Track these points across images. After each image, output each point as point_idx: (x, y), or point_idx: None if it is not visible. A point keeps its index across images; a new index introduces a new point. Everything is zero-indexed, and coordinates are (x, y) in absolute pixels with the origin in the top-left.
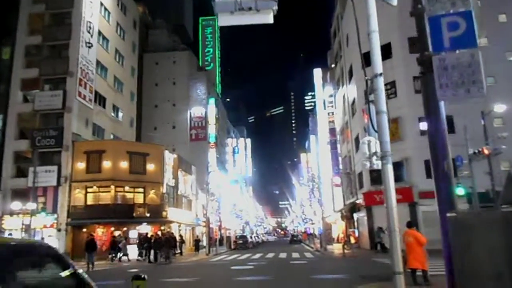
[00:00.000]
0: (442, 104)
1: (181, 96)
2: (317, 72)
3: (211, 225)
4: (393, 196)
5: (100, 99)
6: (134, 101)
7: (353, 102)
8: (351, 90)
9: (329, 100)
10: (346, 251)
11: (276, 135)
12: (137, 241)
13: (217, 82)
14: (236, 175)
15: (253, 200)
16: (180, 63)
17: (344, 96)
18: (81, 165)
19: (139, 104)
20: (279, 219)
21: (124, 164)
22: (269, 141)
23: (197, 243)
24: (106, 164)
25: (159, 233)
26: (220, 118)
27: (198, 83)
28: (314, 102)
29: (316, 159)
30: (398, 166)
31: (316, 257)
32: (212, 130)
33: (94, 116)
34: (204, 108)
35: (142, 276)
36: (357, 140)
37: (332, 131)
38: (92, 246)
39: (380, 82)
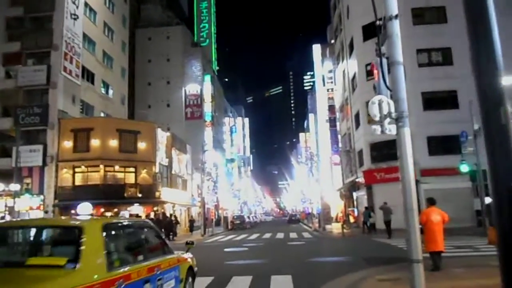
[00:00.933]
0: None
1: (176, 73)
2: (316, 48)
3: (207, 206)
4: (410, 166)
5: (88, 75)
6: (126, 77)
7: (354, 77)
8: (351, 65)
9: (329, 76)
10: (345, 230)
11: (275, 116)
12: None
13: (213, 59)
14: (233, 154)
15: (252, 180)
16: (174, 39)
17: (344, 72)
18: (68, 144)
19: (131, 82)
20: (277, 199)
21: (113, 143)
22: (268, 121)
23: (191, 224)
24: (95, 142)
25: (151, 213)
26: (216, 96)
27: (193, 60)
28: (313, 81)
29: (315, 138)
30: None
31: (315, 237)
32: (208, 108)
33: (82, 93)
34: (200, 85)
35: (191, 241)
36: (357, 116)
37: (332, 108)
38: None
39: (396, 26)
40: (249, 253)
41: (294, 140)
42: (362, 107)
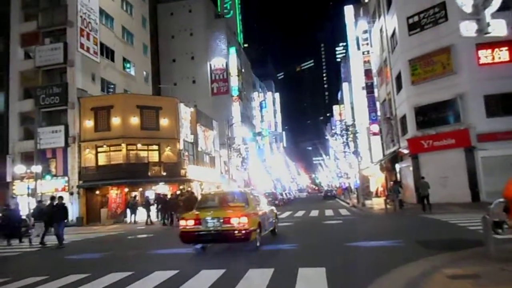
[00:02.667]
0: None
1: (200, 48)
2: (349, 10)
3: (238, 183)
4: None
5: (107, 52)
6: (148, 54)
7: (393, 34)
8: (390, 21)
9: (364, 37)
10: (388, 206)
11: (307, 91)
12: (145, 202)
13: (238, 31)
14: (264, 130)
15: (284, 156)
16: (197, 11)
17: (381, 30)
18: (89, 123)
19: (156, 60)
20: (312, 175)
21: (134, 120)
22: (300, 97)
23: None
24: (115, 120)
25: (178, 192)
26: (243, 70)
27: (217, 33)
28: (346, 49)
29: (350, 108)
30: (450, 105)
31: (354, 215)
32: (234, 82)
33: (102, 71)
34: (225, 59)
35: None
36: (398, 78)
37: (368, 72)
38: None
39: None
40: (276, 236)
41: (328, 114)
42: (405, 67)
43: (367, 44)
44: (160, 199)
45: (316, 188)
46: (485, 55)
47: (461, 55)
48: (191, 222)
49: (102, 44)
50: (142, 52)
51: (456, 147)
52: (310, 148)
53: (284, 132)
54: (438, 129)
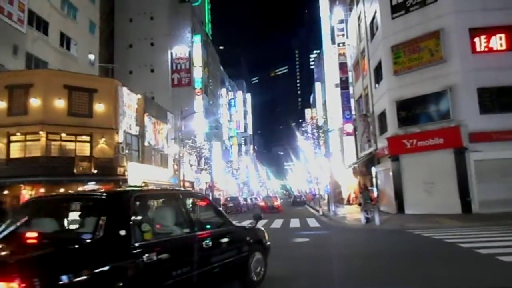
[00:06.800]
0: None
1: (161, 34)
2: (324, 2)
3: (199, 186)
4: None
5: (39, 23)
6: (96, 34)
7: (373, 19)
8: (369, 6)
9: (339, 27)
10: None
11: (281, 96)
12: None
13: (206, 20)
14: (232, 130)
15: (254, 160)
16: None
17: (359, 17)
18: (1, 105)
19: (110, 44)
20: (283, 180)
21: (60, 103)
22: (273, 102)
23: None
24: (35, 102)
25: None
26: (211, 63)
27: (181, 18)
28: (320, 51)
29: (323, 110)
30: (438, 98)
31: (325, 227)
32: (198, 74)
33: (30, 44)
34: (189, 48)
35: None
36: (378, 70)
37: (343, 66)
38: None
39: None
40: None
41: (300, 120)
42: (386, 55)
43: (343, 35)
44: None
45: (287, 193)
46: (479, 42)
47: (452, 41)
48: None
49: (32, 13)
50: (88, 30)
51: (445, 148)
52: (282, 153)
53: (256, 136)
54: (423, 126)
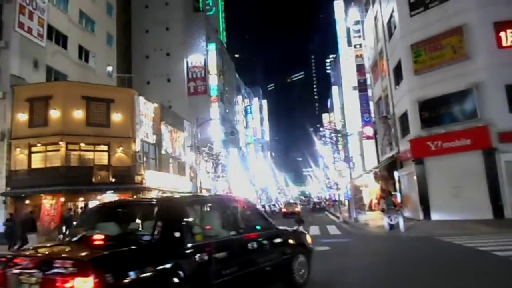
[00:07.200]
0: None
1: (176, 44)
2: (339, 5)
3: (216, 193)
4: None
5: (58, 37)
6: (114, 46)
7: (390, 18)
8: (386, 6)
9: (355, 28)
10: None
11: (298, 102)
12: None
13: (221, 29)
14: (248, 137)
15: (272, 166)
16: (174, 4)
17: (376, 18)
18: (22, 117)
19: (128, 56)
20: (302, 187)
21: (78, 114)
22: (290, 108)
23: None
24: (54, 114)
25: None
26: (226, 70)
27: (195, 28)
28: (336, 54)
29: (341, 113)
30: (463, 97)
31: (346, 235)
32: (213, 81)
33: (50, 58)
34: (204, 56)
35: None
36: (397, 70)
37: (361, 68)
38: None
39: None
40: None
41: (318, 125)
42: (406, 54)
43: (359, 36)
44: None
45: (306, 199)
46: (505, 36)
47: (476, 36)
48: None
49: (51, 28)
50: (106, 43)
51: (472, 149)
52: (300, 159)
53: (273, 143)
54: (448, 127)
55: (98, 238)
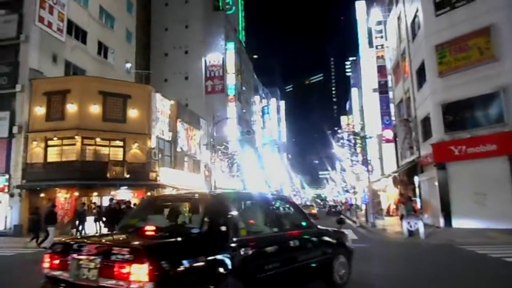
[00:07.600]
0: None
1: (195, 42)
2: (361, 5)
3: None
4: None
5: (77, 32)
6: (133, 42)
7: (414, 18)
8: (410, 5)
9: (377, 29)
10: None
11: (316, 104)
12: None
13: (240, 28)
14: (265, 138)
15: (288, 167)
16: (194, 2)
17: (399, 17)
18: (40, 111)
19: (146, 53)
20: (318, 190)
21: (95, 109)
22: (308, 110)
23: None
24: (71, 108)
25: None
26: (244, 70)
27: (214, 26)
28: (357, 57)
29: (360, 116)
30: (490, 100)
31: (363, 240)
32: (231, 80)
33: (68, 52)
34: (222, 55)
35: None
36: (420, 71)
37: (382, 69)
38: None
39: None
40: None
41: (336, 128)
42: (430, 54)
43: (381, 37)
44: (110, 209)
45: (322, 203)
46: None
47: (505, 38)
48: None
49: (71, 23)
50: (125, 39)
51: (499, 155)
52: (317, 161)
53: (290, 144)
54: (473, 131)
55: (150, 229)
